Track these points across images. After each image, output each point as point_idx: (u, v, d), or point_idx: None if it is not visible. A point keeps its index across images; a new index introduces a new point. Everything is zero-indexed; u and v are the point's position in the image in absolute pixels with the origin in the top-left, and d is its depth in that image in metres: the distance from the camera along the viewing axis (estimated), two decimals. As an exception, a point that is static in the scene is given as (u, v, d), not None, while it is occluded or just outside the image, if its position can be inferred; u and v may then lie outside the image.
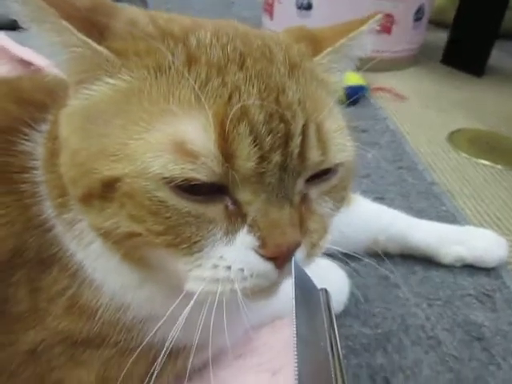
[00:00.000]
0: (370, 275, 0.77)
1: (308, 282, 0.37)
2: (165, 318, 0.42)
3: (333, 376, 0.30)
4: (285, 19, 1.84)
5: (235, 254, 0.36)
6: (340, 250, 0.47)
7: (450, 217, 0.97)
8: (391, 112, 1.48)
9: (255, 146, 0.34)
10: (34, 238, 0.46)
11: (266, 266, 0.36)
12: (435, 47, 2.06)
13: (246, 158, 0.34)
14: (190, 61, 0.36)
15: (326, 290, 0.37)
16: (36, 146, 0.48)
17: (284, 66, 0.38)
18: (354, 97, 1.13)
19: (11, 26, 1.31)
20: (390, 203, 0.90)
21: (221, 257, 0.36)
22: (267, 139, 0.34)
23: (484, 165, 1.24)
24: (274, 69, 0.38)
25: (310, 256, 0.39)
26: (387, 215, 0.83)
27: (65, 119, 0.40)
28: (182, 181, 0.33)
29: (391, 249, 0.82)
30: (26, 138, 0.48)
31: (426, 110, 1.55)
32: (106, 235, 0.39)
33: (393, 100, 1.58)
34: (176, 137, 0.33)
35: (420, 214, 0.89)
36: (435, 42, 2.11)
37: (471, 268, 0.83)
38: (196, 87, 0.34)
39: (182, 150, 0.33)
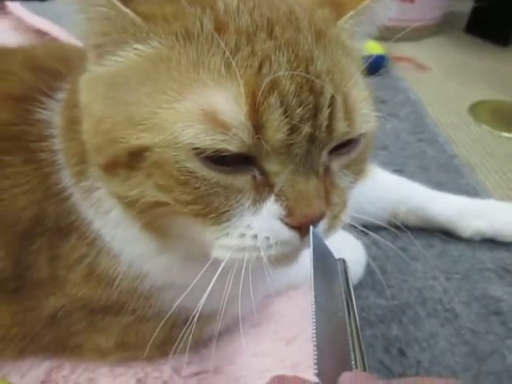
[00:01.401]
0: (387, 247, 0.76)
1: (326, 252, 0.37)
2: (191, 287, 0.42)
3: (350, 344, 0.30)
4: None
5: (262, 223, 0.36)
6: (357, 222, 0.47)
7: (471, 190, 0.94)
8: (412, 83, 1.44)
9: (286, 117, 0.34)
10: (54, 207, 0.46)
11: (290, 234, 0.37)
12: (459, 15, 1.98)
13: (277, 129, 0.33)
14: (219, 28, 0.35)
15: (343, 260, 0.37)
16: (53, 114, 0.48)
17: (311, 33, 0.37)
18: (373, 66, 1.10)
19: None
20: (410, 176, 0.88)
21: (248, 226, 0.36)
22: (297, 111, 0.34)
23: (506, 137, 1.21)
24: (302, 37, 0.37)
25: (331, 228, 0.40)
26: (406, 187, 0.82)
27: (85, 85, 0.40)
28: (213, 152, 0.33)
29: (410, 221, 0.81)
30: (43, 106, 0.48)
31: (447, 81, 1.51)
32: (129, 204, 0.39)
33: (414, 70, 1.53)
34: (207, 107, 0.33)
35: (440, 187, 0.87)
36: (459, 9, 2.02)
37: (491, 242, 0.81)
38: (226, 56, 0.34)
39: (213, 121, 0.33)
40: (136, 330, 0.51)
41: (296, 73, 0.34)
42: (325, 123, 0.35)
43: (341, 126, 0.36)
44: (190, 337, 0.53)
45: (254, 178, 0.36)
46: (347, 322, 0.32)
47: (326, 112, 0.35)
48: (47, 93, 0.48)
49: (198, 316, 0.51)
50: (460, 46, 1.82)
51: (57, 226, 0.47)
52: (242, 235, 0.37)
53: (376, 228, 0.55)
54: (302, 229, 0.37)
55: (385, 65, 1.37)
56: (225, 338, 0.56)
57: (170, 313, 0.49)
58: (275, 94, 0.33)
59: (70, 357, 0.53)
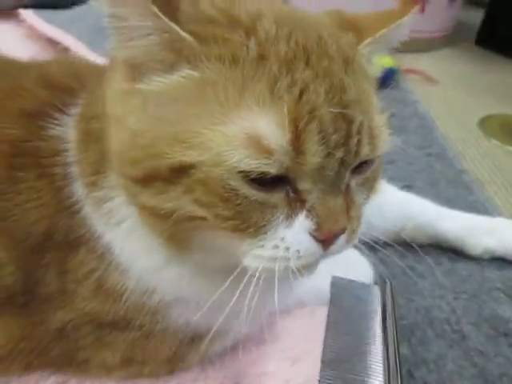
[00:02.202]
0: (395, 265, 0.76)
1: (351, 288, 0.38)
2: (200, 303, 0.45)
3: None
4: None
5: (294, 236, 0.39)
6: (365, 239, 0.49)
7: (480, 207, 0.94)
8: (421, 95, 1.43)
9: (323, 143, 0.36)
10: (64, 221, 0.46)
11: (317, 247, 0.40)
12: (470, 27, 1.98)
13: (314, 154, 0.36)
14: (263, 55, 0.37)
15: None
16: (66, 129, 0.48)
17: (340, 60, 0.39)
18: (383, 80, 1.10)
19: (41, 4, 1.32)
20: (418, 191, 0.87)
21: (282, 238, 0.39)
22: (333, 137, 0.36)
23: (516, 153, 1.20)
24: (335, 66, 0.39)
25: (349, 241, 0.42)
26: (415, 204, 0.81)
27: (117, 98, 0.41)
28: (256, 174, 0.36)
29: (418, 238, 0.80)
30: (56, 122, 0.48)
31: (457, 94, 1.50)
32: (162, 216, 0.39)
33: (423, 83, 1.53)
34: (252, 132, 0.35)
35: (449, 203, 0.87)
36: (470, 21, 2.02)
37: (500, 261, 0.80)
38: (270, 83, 0.36)
39: (258, 145, 0.35)
40: (142, 346, 0.51)
41: (332, 102, 0.37)
42: (354, 149, 0.38)
43: (365, 150, 0.39)
44: (197, 354, 0.53)
45: (288, 194, 0.38)
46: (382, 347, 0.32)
47: (355, 138, 0.38)
48: (61, 108, 0.49)
49: (205, 332, 0.51)
50: (470, 58, 1.82)
51: (66, 240, 0.47)
52: (276, 247, 0.39)
53: (383, 245, 0.54)
54: (325, 242, 0.40)
55: (395, 77, 1.37)
56: (231, 357, 0.56)
57: (176, 329, 0.50)
58: (315, 122, 0.35)
59: (77, 372, 0.53)
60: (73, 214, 0.47)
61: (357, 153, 0.38)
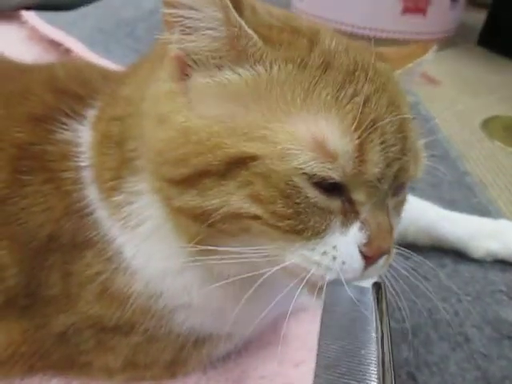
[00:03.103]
0: (398, 267, 0.75)
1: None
2: (205, 308, 0.46)
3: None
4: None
5: (345, 246, 0.39)
6: None
7: (483, 209, 0.93)
8: (423, 97, 1.43)
9: (383, 154, 0.37)
10: (72, 223, 0.46)
11: (360, 263, 0.39)
12: (472, 28, 1.97)
13: (376, 163, 0.37)
14: (327, 63, 0.38)
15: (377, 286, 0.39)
16: (78, 133, 0.48)
17: (392, 81, 0.42)
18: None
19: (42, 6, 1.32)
20: (421, 193, 0.87)
21: (334, 246, 0.38)
22: (391, 149, 0.38)
23: (519, 154, 1.19)
24: (390, 84, 0.41)
25: (385, 264, 0.42)
26: (418, 206, 0.81)
27: (163, 97, 0.41)
28: (319, 178, 0.36)
29: (421, 240, 0.80)
30: (65, 127, 0.48)
31: (459, 96, 1.50)
32: (198, 217, 0.39)
33: (425, 84, 1.53)
34: (317, 135, 0.36)
35: (451, 205, 0.87)
36: (472, 22, 2.01)
37: (503, 263, 0.80)
38: (335, 91, 0.37)
39: (322, 149, 0.35)
40: (145, 351, 0.51)
41: (393, 114, 0.38)
42: (406, 165, 0.39)
43: (412, 169, 0.41)
44: (199, 358, 0.53)
45: (343, 203, 0.38)
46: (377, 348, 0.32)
47: (408, 154, 0.39)
48: (69, 114, 0.49)
49: (208, 337, 0.51)
50: (472, 59, 1.81)
51: (73, 242, 0.47)
52: (325, 253, 0.39)
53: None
54: (371, 259, 0.39)
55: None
56: (233, 359, 0.56)
57: (180, 333, 0.49)
58: (378, 132, 0.37)
59: (79, 375, 0.53)
60: (82, 217, 0.47)
61: (407, 170, 0.40)
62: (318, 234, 0.38)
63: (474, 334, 0.68)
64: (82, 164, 0.47)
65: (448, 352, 0.65)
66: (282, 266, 0.39)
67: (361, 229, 0.39)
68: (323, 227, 0.38)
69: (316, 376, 0.29)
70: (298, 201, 0.37)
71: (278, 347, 0.58)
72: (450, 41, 1.90)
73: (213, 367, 0.56)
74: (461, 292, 0.74)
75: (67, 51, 1.10)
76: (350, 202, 0.39)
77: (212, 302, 0.48)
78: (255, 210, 0.37)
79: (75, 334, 0.49)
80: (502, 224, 0.83)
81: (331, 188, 0.37)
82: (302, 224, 0.37)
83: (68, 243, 0.47)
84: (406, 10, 1.66)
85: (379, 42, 1.56)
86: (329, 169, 0.36)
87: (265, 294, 0.49)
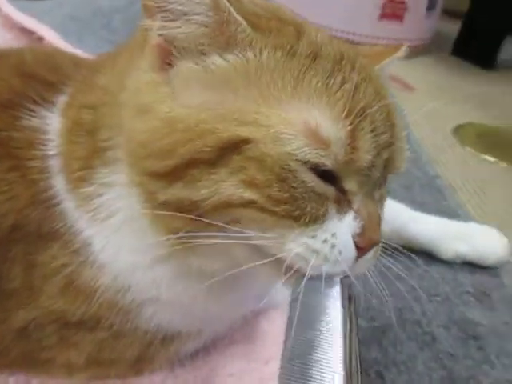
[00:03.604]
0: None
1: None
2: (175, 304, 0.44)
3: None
4: None
5: (343, 235, 0.38)
6: None
7: (452, 212, 0.95)
8: (398, 102, 1.45)
9: (374, 141, 0.37)
10: (37, 213, 0.44)
11: (353, 253, 0.39)
12: (446, 38, 2.02)
13: (367, 150, 0.37)
14: (315, 52, 0.38)
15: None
16: (46, 120, 0.46)
17: (375, 72, 0.43)
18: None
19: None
20: (394, 194, 0.88)
21: (333, 234, 0.38)
22: (381, 137, 0.38)
23: (489, 161, 1.23)
24: (373, 74, 0.42)
25: (374, 257, 0.42)
26: (391, 207, 0.82)
27: (145, 87, 0.40)
28: (311, 165, 0.36)
29: (393, 241, 0.81)
30: (32, 114, 0.46)
31: (433, 102, 1.53)
32: (183, 209, 0.38)
33: (400, 90, 1.55)
34: (309, 121, 0.35)
35: (422, 207, 0.88)
36: (447, 32, 2.07)
37: (471, 265, 0.82)
38: (325, 78, 0.37)
39: (315, 136, 0.35)
40: (110, 347, 0.49)
41: (381, 103, 0.38)
42: (394, 154, 0.40)
43: (399, 159, 0.41)
44: (167, 355, 0.52)
45: (336, 192, 0.38)
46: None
47: (397, 143, 0.40)
48: (36, 100, 0.47)
49: (177, 334, 0.50)
50: (446, 67, 1.86)
51: (38, 233, 0.45)
52: (325, 241, 0.38)
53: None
54: (363, 250, 0.39)
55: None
56: (201, 357, 0.55)
57: (147, 329, 0.48)
58: (368, 119, 0.37)
59: (39, 373, 0.51)
60: (48, 208, 0.45)
61: (394, 160, 0.40)
62: (316, 220, 0.37)
63: (441, 333, 0.69)
64: (50, 152, 0.45)
65: (416, 351, 0.66)
66: (278, 255, 0.38)
67: (355, 218, 0.38)
68: (321, 213, 0.37)
69: (281, 367, 0.29)
70: (294, 185, 0.36)
71: (246, 344, 0.58)
72: (426, 49, 1.94)
73: (180, 365, 0.54)
74: (431, 292, 0.75)
75: (40, 40, 1.06)
76: (342, 191, 0.38)
77: (182, 298, 0.46)
78: (250, 194, 0.36)
79: (37, 329, 0.47)
80: (471, 227, 0.85)
81: (324, 176, 0.37)
82: (298, 209, 0.37)
83: (33, 234, 0.45)
84: (384, 16, 1.68)
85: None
86: (322, 156, 0.35)
87: (237, 289, 0.48)
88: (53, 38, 1.02)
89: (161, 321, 0.48)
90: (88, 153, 0.44)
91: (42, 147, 0.45)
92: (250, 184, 0.36)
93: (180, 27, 0.38)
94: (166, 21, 0.38)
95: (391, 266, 0.75)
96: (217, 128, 0.36)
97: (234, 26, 0.37)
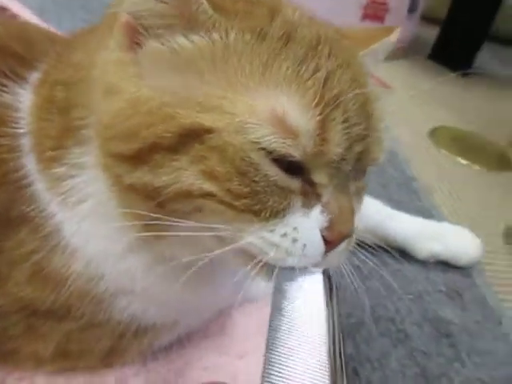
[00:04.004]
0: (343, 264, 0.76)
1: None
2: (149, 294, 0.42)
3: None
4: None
5: (307, 229, 0.37)
6: None
7: (426, 212, 0.97)
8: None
9: (345, 133, 0.35)
10: (6, 195, 0.42)
11: (321, 248, 0.37)
12: (424, 43, 2.06)
13: (338, 143, 0.35)
14: (288, 35, 0.36)
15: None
16: (18, 97, 0.44)
17: (355, 58, 0.40)
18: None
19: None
20: (371, 191, 0.88)
21: (294, 228, 0.36)
22: (354, 129, 0.36)
23: (462, 164, 1.25)
24: (353, 61, 0.39)
25: (346, 250, 0.41)
26: (367, 204, 0.82)
27: (112, 67, 0.38)
28: (277, 155, 0.34)
29: (367, 238, 0.81)
30: (4, 89, 0.44)
31: (409, 104, 1.55)
32: (148, 195, 0.36)
33: (378, 88, 1.57)
34: (277, 110, 0.34)
35: (398, 205, 0.89)
36: (424, 37, 2.10)
37: (444, 265, 0.83)
38: (296, 65, 0.35)
39: (282, 125, 0.33)
40: (80, 338, 0.47)
41: (356, 91, 0.36)
42: (369, 146, 0.38)
43: (375, 151, 0.39)
44: (140, 348, 0.50)
45: (303, 185, 0.37)
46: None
47: (372, 135, 0.38)
48: (9, 75, 0.44)
49: (150, 326, 0.48)
50: (423, 71, 1.89)
51: (6, 216, 0.42)
52: (285, 235, 0.36)
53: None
54: (332, 244, 0.38)
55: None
56: (175, 350, 0.53)
57: (120, 320, 0.46)
58: (340, 110, 0.35)
59: (4, 363, 0.48)
60: (18, 189, 0.42)
61: (370, 152, 0.38)
62: (276, 214, 0.36)
63: (414, 331, 0.69)
64: (21, 131, 0.43)
65: (389, 348, 0.66)
66: (236, 245, 0.37)
67: (322, 212, 0.37)
68: (282, 207, 0.36)
69: (268, 350, 0.28)
70: (255, 179, 0.34)
71: (221, 338, 0.57)
72: (404, 52, 1.97)
73: (153, 358, 0.53)
74: (403, 291, 0.76)
75: (13, 17, 1.01)
76: (311, 184, 0.37)
77: (157, 288, 0.45)
78: (208, 187, 0.34)
79: (2, 317, 0.45)
80: (445, 227, 0.86)
81: (291, 168, 0.35)
82: (259, 204, 0.35)
83: (0, 217, 0.42)
84: (366, 17, 1.70)
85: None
86: (289, 145, 0.34)
87: (213, 280, 0.46)
88: (28, 16, 0.98)
89: (135, 311, 0.46)
90: (60, 132, 0.42)
91: (12, 125, 0.43)
92: (210, 176, 0.34)
93: (143, 4, 0.36)
94: None
95: (367, 260, 0.76)
96: (178, 113, 0.34)
97: (195, 6, 0.35)
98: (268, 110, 0.34)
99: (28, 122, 0.43)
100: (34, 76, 0.46)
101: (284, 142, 0.33)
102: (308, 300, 0.35)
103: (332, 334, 0.33)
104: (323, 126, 0.34)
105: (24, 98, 0.44)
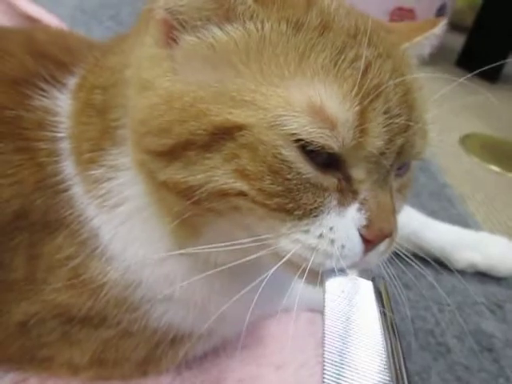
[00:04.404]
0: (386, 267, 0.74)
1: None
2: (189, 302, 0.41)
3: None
4: None
5: (344, 229, 0.35)
6: None
7: (462, 221, 0.93)
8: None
9: (386, 125, 0.34)
10: (44, 199, 0.42)
11: (360, 247, 0.35)
12: (452, 49, 2.03)
13: (378, 135, 0.33)
14: (326, 25, 0.35)
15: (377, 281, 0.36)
16: (57, 101, 0.44)
17: (398, 48, 0.39)
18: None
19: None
20: (404, 201, 0.86)
21: (331, 228, 0.35)
22: (396, 121, 0.34)
23: (495, 171, 1.22)
24: (395, 51, 0.37)
25: (387, 250, 0.39)
26: (403, 213, 0.80)
27: (148, 63, 0.38)
28: (317, 146, 0.32)
29: (404, 248, 0.79)
30: (44, 93, 0.44)
31: (439, 111, 1.52)
32: (182, 192, 0.35)
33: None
34: (315, 99, 0.32)
35: (432, 215, 0.86)
36: (452, 44, 2.07)
37: (482, 275, 0.80)
38: (334, 55, 0.34)
39: (320, 115, 0.32)
40: (116, 346, 0.46)
41: (397, 82, 0.34)
42: (411, 140, 0.36)
43: (419, 145, 0.37)
44: (175, 357, 0.49)
45: (339, 181, 0.35)
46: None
47: (415, 127, 0.35)
48: (49, 80, 0.45)
49: (187, 335, 0.47)
50: (452, 78, 1.85)
51: (43, 221, 0.42)
52: (321, 236, 0.35)
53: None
54: (371, 243, 0.35)
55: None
56: (210, 360, 0.52)
57: (156, 329, 0.45)
58: (380, 101, 0.33)
59: (38, 371, 0.48)
60: (56, 194, 0.42)
61: (412, 145, 0.36)
62: (310, 213, 0.34)
63: (455, 344, 0.66)
64: (60, 134, 0.43)
65: (429, 362, 0.63)
66: (271, 249, 0.35)
67: (359, 209, 0.35)
68: (316, 205, 0.34)
69: (325, 370, 0.26)
70: (288, 176, 0.33)
71: (257, 349, 0.55)
72: (431, 59, 1.94)
73: (188, 367, 0.51)
74: (442, 302, 0.73)
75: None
76: (348, 179, 0.35)
77: (195, 296, 0.44)
78: (240, 186, 0.33)
79: (38, 324, 0.44)
80: (483, 236, 0.83)
81: (327, 163, 0.34)
82: (292, 202, 0.34)
83: (38, 222, 0.42)
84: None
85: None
86: (328, 136, 0.32)
87: (253, 289, 0.45)
88: (58, 26, 0.99)
89: (172, 320, 0.45)
90: (98, 133, 0.42)
91: (52, 128, 0.43)
92: (242, 175, 0.33)
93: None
94: None
95: (400, 274, 0.74)
96: (210, 110, 0.33)
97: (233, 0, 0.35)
98: (304, 100, 0.32)
99: (67, 126, 0.43)
100: (72, 81, 0.46)
101: (322, 132, 0.32)
102: (361, 309, 0.33)
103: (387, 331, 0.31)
104: (362, 116, 0.33)
105: (63, 103, 0.44)
